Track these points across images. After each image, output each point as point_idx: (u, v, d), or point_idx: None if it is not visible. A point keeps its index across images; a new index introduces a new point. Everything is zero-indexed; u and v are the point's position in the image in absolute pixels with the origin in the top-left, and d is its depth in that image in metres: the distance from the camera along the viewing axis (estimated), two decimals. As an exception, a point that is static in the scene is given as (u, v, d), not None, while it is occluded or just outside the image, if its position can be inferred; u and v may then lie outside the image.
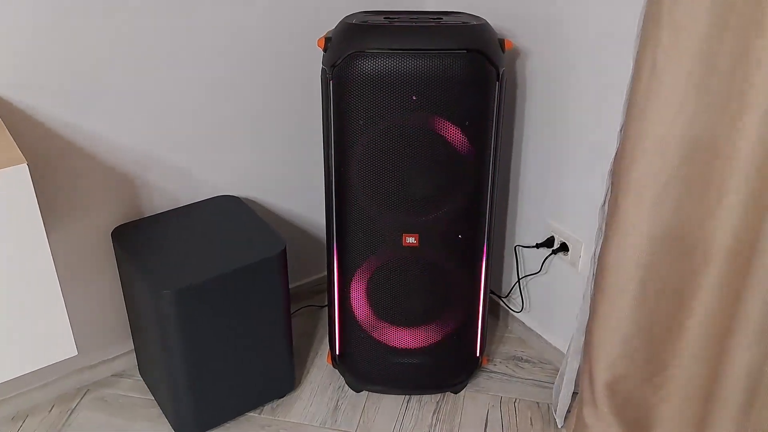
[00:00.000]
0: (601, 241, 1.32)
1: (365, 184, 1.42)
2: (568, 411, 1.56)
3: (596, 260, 1.34)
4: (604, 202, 1.30)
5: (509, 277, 1.84)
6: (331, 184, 1.46)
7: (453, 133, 1.37)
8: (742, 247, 1.10)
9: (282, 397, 1.65)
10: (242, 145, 1.68)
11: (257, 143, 1.70)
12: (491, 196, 1.48)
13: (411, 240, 1.47)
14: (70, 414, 1.60)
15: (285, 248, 1.46)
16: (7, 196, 1.00)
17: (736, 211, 1.09)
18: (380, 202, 1.43)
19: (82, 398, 1.65)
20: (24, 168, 1.00)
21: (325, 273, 1.71)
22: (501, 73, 1.36)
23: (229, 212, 1.59)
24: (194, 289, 1.34)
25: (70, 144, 1.44)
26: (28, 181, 1.01)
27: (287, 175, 1.79)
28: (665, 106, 1.07)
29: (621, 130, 1.21)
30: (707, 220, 1.14)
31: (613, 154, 1.25)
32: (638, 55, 1.10)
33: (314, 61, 1.64)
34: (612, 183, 1.25)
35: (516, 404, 1.64)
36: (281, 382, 1.63)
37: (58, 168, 1.44)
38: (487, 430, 1.58)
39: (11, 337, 1.11)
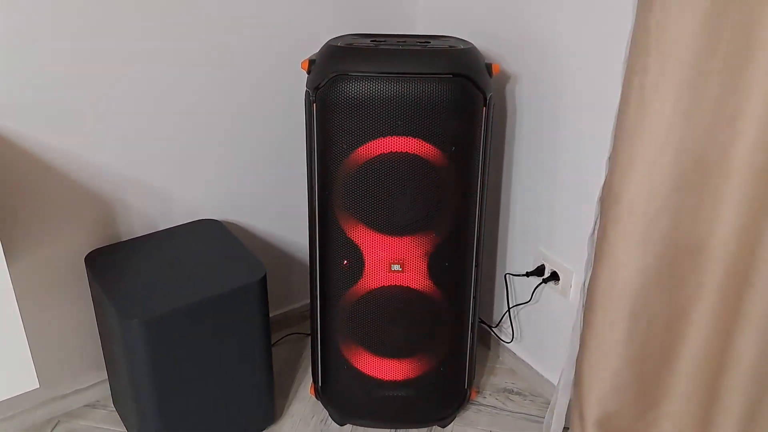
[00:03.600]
0: (590, 271, 1.27)
1: (349, 210, 1.38)
2: (559, 448, 1.50)
3: (585, 291, 1.29)
4: (593, 231, 1.25)
5: (500, 306, 1.79)
6: (315, 209, 1.42)
7: (439, 159, 1.33)
8: (733, 281, 1.05)
9: (261, 430, 1.59)
10: (225, 167, 1.64)
11: (240, 165, 1.66)
12: (479, 224, 1.43)
13: (396, 268, 1.42)
14: (39, 447, 1.54)
15: (265, 275, 1.41)
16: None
17: (728, 243, 1.04)
18: (364, 229, 1.39)
19: (51, 430, 1.58)
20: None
21: (310, 300, 1.66)
22: (488, 98, 1.33)
23: (209, 237, 1.54)
24: (165, 318, 1.28)
25: (42, 164, 1.39)
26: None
27: (272, 199, 1.74)
28: (653, 134, 1.03)
29: (609, 158, 1.17)
30: (699, 251, 1.09)
31: (602, 182, 1.21)
32: (625, 82, 1.06)
33: (298, 83, 1.60)
34: (601, 212, 1.21)
35: (505, 440, 1.58)
36: (261, 415, 1.56)
37: (29, 189, 1.39)
38: (475, 467, 1.52)
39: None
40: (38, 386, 1.13)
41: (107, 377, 1.63)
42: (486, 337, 1.85)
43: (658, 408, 1.27)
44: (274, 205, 1.75)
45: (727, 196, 1.04)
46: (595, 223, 1.25)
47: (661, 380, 1.24)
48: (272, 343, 1.77)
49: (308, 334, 1.88)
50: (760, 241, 0.97)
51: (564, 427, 1.51)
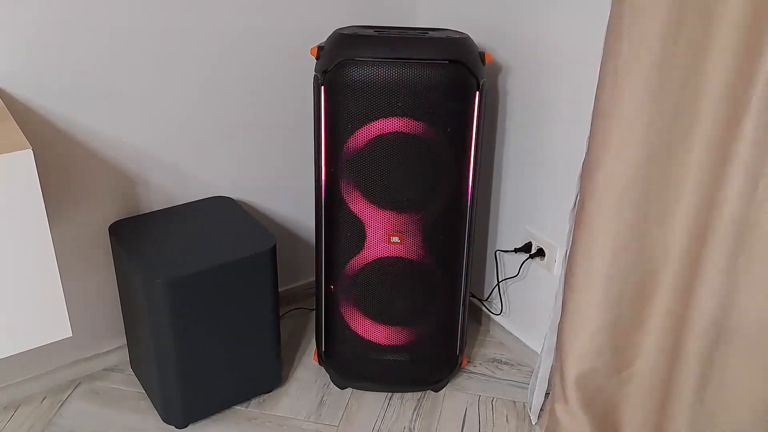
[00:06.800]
0: (570, 241, 1.39)
1: (352, 185, 1.50)
2: (542, 409, 1.62)
3: (567, 259, 1.42)
4: (574, 206, 1.38)
5: (491, 281, 1.91)
6: (321, 184, 1.54)
7: (435, 138, 1.46)
8: (694, 246, 1.18)
9: (269, 392, 1.71)
10: (238, 148, 1.76)
11: (252, 147, 1.78)
12: (471, 199, 1.56)
13: (395, 239, 1.54)
14: (62, 405, 1.65)
15: (275, 245, 1.53)
16: (12, 179, 1.07)
17: (690, 212, 1.17)
18: (366, 203, 1.51)
19: (74, 390, 1.70)
20: (29, 153, 1.07)
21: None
22: (481, 83, 1.45)
23: (222, 212, 1.67)
24: (185, 279, 1.41)
25: (72, 140, 1.51)
26: (32, 166, 1.08)
27: (280, 180, 1.86)
28: (624, 113, 1.16)
29: (589, 137, 1.29)
30: (665, 220, 1.22)
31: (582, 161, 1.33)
32: (601, 66, 1.19)
33: (307, 69, 1.73)
34: (580, 186, 1.33)
35: (493, 403, 1.70)
36: (268, 377, 1.68)
37: (60, 163, 1.52)
38: (465, 426, 1.64)
39: (8, 316, 1.17)
40: (71, 335, 1.25)
41: (126, 343, 1.75)
42: (477, 313, 1.98)
43: (632, 366, 1.40)
44: (283, 186, 1.87)
45: (690, 169, 1.16)
46: (576, 197, 1.38)
47: (634, 340, 1.37)
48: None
49: (312, 309, 2.01)
50: (716, 205, 1.10)
51: (546, 392, 1.63)
